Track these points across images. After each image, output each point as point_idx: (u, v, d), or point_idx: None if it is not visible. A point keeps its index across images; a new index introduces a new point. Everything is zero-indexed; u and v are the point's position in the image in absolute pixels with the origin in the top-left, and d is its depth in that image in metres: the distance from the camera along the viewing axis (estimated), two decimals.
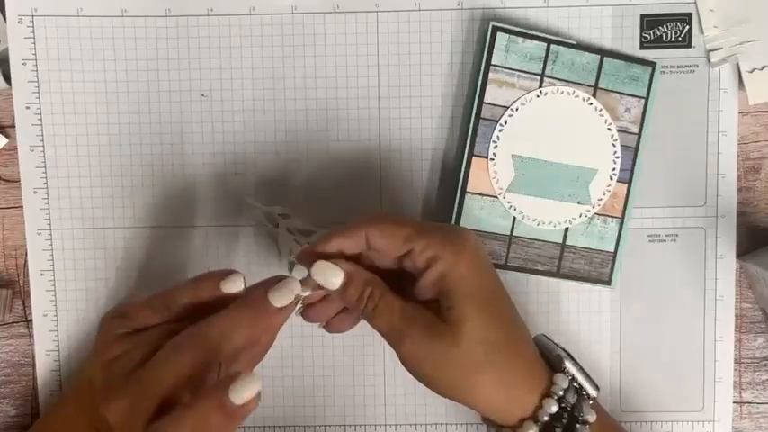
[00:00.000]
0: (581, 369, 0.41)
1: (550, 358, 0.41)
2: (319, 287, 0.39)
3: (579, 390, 0.40)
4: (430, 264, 0.38)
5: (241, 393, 0.33)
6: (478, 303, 0.38)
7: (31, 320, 0.49)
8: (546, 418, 0.38)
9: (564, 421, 0.38)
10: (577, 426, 0.39)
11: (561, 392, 0.39)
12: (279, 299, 0.37)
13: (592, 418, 0.39)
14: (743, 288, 0.49)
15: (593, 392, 0.41)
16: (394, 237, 0.38)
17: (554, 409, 0.38)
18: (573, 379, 0.40)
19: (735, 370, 0.49)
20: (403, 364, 0.39)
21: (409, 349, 0.38)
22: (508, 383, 0.38)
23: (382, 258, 0.40)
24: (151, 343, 0.38)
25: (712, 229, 0.49)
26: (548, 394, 0.39)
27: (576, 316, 0.49)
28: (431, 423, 0.49)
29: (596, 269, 0.48)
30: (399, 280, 0.41)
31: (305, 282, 0.39)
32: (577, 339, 0.49)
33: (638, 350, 0.49)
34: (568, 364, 0.40)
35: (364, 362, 0.49)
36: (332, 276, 0.38)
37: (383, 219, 0.39)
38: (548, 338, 0.43)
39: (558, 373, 0.40)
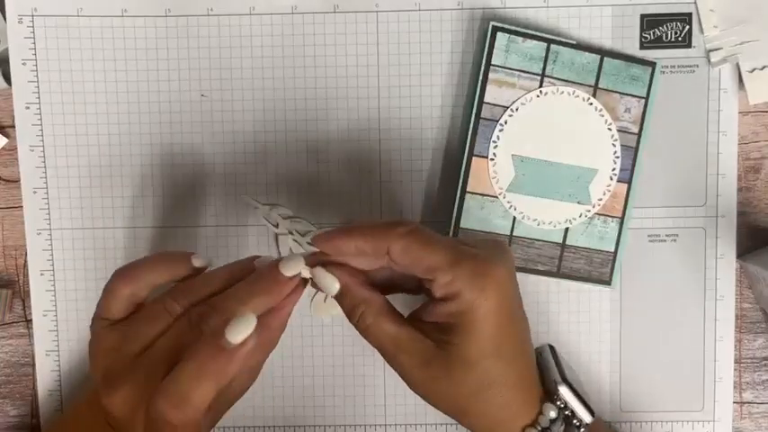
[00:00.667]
0: (577, 394, 0.39)
1: (547, 382, 0.40)
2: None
3: (571, 417, 0.39)
4: (448, 297, 0.36)
5: (238, 332, 0.33)
6: (483, 346, 0.36)
7: (30, 320, 0.49)
8: None
9: None
10: None
11: (547, 424, 0.38)
12: (288, 268, 0.37)
13: None
14: (743, 288, 0.49)
15: (586, 419, 0.39)
16: (419, 261, 0.36)
17: None
18: (564, 407, 0.39)
19: (735, 370, 0.49)
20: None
21: (399, 372, 0.38)
22: (497, 418, 0.38)
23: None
24: (144, 331, 0.37)
25: (712, 229, 0.49)
26: (531, 424, 0.38)
27: (576, 316, 0.49)
28: (431, 423, 0.49)
29: (596, 269, 0.48)
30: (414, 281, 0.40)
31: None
32: (577, 339, 0.49)
33: (638, 350, 0.49)
34: (562, 391, 0.39)
35: (364, 362, 0.49)
36: (328, 284, 0.38)
37: (413, 236, 0.37)
38: (553, 353, 0.42)
39: (547, 403, 0.38)
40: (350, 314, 0.38)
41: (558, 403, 0.39)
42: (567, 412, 0.39)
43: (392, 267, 0.38)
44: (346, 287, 0.38)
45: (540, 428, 0.38)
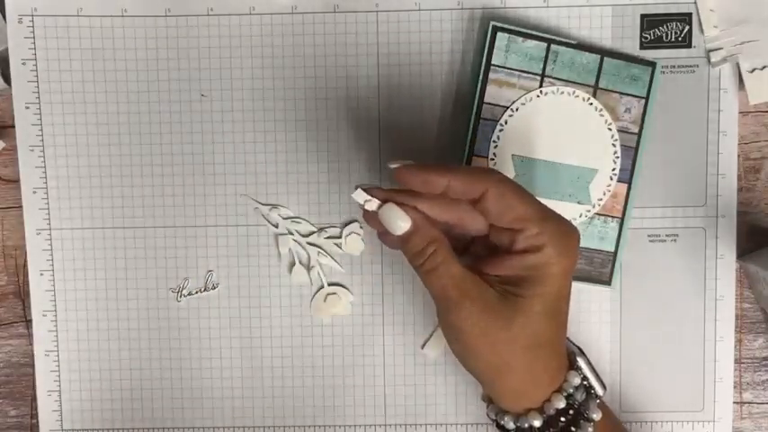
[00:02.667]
0: (592, 368, 0.41)
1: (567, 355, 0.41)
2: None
3: (588, 388, 0.40)
4: (530, 250, 0.37)
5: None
6: (548, 304, 0.38)
7: (30, 320, 0.49)
8: (552, 412, 0.39)
9: (569, 417, 0.39)
10: (581, 422, 0.39)
11: (571, 390, 0.39)
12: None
13: (597, 416, 0.39)
14: (743, 288, 0.49)
15: (600, 391, 0.41)
16: (512, 209, 0.37)
17: (561, 404, 0.39)
18: (584, 377, 0.40)
19: (735, 370, 0.49)
20: (443, 330, 0.39)
21: (455, 320, 0.37)
22: (535, 376, 0.39)
23: (473, 224, 0.39)
24: None
25: (712, 229, 0.49)
26: (558, 390, 0.39)
27: (576, 316, 0.49)
28: (431, 423, 0.49)
29: (596, 269, 0.48)
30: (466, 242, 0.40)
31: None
32: (577, 339, 0.49)
33: (638, 350, 0.49)
34: (581, 362, 0.40)
35: (364, 362, 0.49)
36: (399, 220, 0.38)
37: (509, 185, 0.38)
38: None
39: (572, 371, 0.40)
40: (418, 254, 0.38)
41: (579, 372, 0.40)
42: (584, 382, 0.40)
43: (458, 222, 0.39)
44: (418, 224, 0.38)
45: (565, 394, 0.39)
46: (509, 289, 0.38)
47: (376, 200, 0.38)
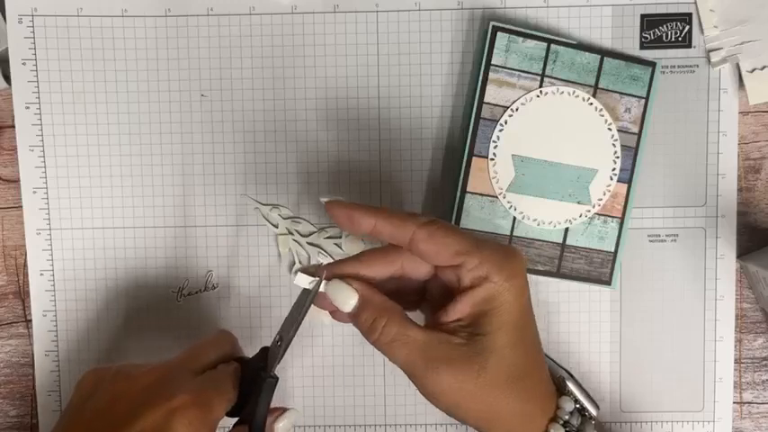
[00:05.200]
0: (582, 389, 0.40)
1: (553, 379, 0.41)
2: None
3: (581, 411, 0.40)
4: (477, 283, 0.36)
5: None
6: (512, 334, 0.37)
7: (30, 320, 0.49)
8: None
9: None
10: None
11: (566, 417, 0.39)
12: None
13: None
14: (743, 288, 0.49)
15: (593, 412, 0.40)
16: (446, 247, 0.36)
17: None
18: (576, 400, 0.40)
19: (735, 370, 0.49)
20: (422, 393, 0.38)
21: (428, 385, 0.37)
22: (525, 411, 0.38)
23: (417, 270, 0.39)
24: None
25: (712, 229, 0.49)
26: (554, 419, 0.38)
27: (576, 316, 0.49)
28: (431, 423, 0.49)
29: (596, 269, 0.48)
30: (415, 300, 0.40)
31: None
32: (578, 339, 0.49)
33: (638, 350, 0.49)
34: (570, 386, 0.40)
35: (364, 362, 0.49)
36: (346, 297, 0.37)
37: (435, 224, 0.37)
38: (547, 357, 0.42)
39: (564, 396, 0.39)
40: (371, 329, 0.37)
41: (571, 396, 0.39)
42: (576, 405, 0.40)
43: (402, 272, 0.38)
44: (365, 296, 0.37)
45: (561, 422, 0.38)
46: (472, 330, 0.37)
47: (318, 278, 0.37)
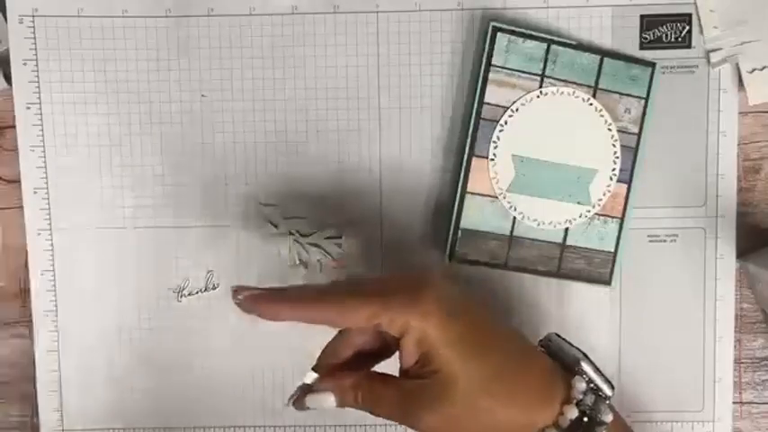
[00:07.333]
0: (596, 369, 0.40)
1: (565, 360, 0.40)
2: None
3: (596, 390, 0.39)
4: (404, 332, 0.37)
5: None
6: (462, 354, 0.37)
7: (31, 320, 0.49)
8: (567, 424, 0.38)
9: (584, 423, 0.38)
10: (596, 427, 0.38)
11: (580, 396, 0.38)
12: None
13: (609, 418, 0.39)
14: (743, 288, 0.49)
15: (608, 392, 0.40)
16: (356, 316, 0.37)
17: (575, 414, 0.38)
18: (589, 380, 0.39)
19: (735, 370, 0.49)
20: None
21: (421, 427, 0.38)
22: (520, 407, 0.38)
23: (365, 333, 0.40)
24: None
25: (712, 229, 0.49)
26: (567, 400, 0.38)
27: (576, 316, 0.49)
28: None
29: (596, 269, 0.48)
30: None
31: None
32: (578, 339, 0.49)
33: (638, 350, 0.49)
34: (584, 366, 0.39)
35: None
36: (324, 402, 0.40)
37: (338, 298, 0.38)
38: (560, 337, 0.42)
39: (577, 377, 0.39)
40: (353, 406, 0.40)
41: (584, 377, 0.39)
42: (591, 385, 0.39)
43: (362, 339, 0.40)
44: (337, 389, 0.40)
45: (575, 402, 0.38)
46: (429, 369, 0.37)
47: (295, 397, 0.40)
